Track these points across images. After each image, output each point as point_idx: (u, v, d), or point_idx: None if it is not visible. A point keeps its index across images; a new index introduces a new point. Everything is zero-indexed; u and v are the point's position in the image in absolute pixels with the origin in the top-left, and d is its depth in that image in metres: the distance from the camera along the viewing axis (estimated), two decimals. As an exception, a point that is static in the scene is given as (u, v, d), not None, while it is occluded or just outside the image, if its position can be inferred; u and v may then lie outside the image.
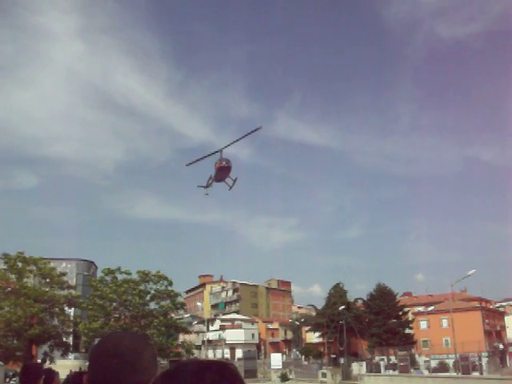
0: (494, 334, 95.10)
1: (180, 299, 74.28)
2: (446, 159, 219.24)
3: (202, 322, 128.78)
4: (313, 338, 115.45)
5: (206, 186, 38.85)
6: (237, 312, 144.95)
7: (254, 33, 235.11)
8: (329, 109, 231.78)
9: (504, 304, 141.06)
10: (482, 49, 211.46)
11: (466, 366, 74.39)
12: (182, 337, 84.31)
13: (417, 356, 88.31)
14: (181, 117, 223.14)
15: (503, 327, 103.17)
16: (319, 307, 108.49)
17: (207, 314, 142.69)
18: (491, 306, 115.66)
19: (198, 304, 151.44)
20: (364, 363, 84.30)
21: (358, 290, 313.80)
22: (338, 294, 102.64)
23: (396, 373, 75.30)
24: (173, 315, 76.03)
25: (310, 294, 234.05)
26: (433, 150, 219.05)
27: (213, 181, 37.67)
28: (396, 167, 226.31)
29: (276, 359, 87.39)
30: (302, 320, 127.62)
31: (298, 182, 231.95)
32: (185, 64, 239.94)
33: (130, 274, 66.46)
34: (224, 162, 35.42)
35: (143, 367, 1.81)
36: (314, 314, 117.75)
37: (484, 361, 79.23)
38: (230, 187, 38.41)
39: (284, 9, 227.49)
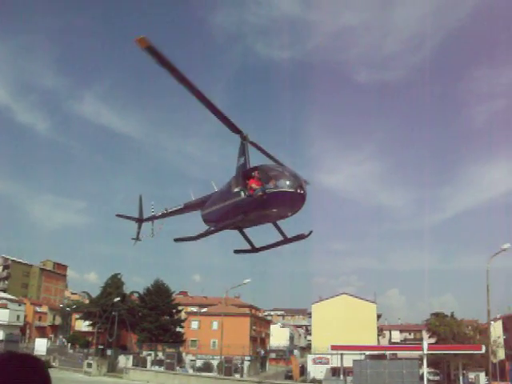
0: (259, 340, 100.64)
1: None
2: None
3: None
4: (82, 326, 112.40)
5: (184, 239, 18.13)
6: (4, 290, 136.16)
7: (74, 7, 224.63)
8: (136, 100, 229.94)
9: (272, 313, 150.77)
10: (291, 74, 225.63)
11: (228, 367, 78.11)
12: None
13: (184, 354, 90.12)
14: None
15: (268, 335, 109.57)
16: (94, 295, 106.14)
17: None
18: (260, 314, 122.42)
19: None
20: (131, 357, 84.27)
21: (136, 284, 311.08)
22: (114, 284, 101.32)
23: (162, 369, 76.48)
24: None
25: (86, 281, 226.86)
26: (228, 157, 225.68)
27: (220, 228, 17.13)
28: (193, 168, 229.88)
29: (40, 345, 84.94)
30: (74, 306, 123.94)
31: (95, 166, 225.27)
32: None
33: None
34: (298, 185, 14.54)
35: None
36: (87, 301, 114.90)
37: (246, 364, 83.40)
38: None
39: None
